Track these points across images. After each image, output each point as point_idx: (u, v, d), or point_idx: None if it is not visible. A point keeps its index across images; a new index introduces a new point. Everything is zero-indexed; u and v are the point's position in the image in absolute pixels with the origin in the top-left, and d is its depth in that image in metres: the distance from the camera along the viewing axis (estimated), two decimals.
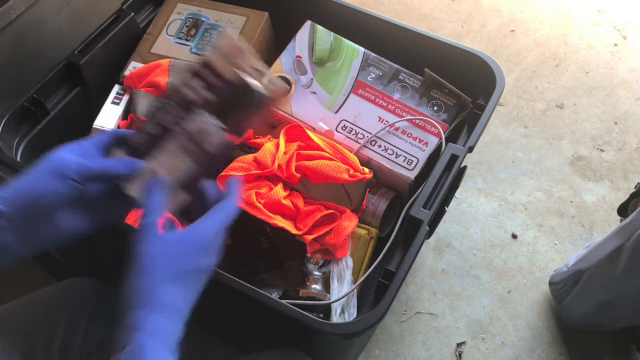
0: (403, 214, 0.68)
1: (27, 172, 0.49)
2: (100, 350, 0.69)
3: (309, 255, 0.68)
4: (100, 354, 0.70)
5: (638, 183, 0.97)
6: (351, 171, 0.69)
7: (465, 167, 0.74)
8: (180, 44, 0.85)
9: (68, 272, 0.77)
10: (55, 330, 0.65)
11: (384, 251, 0.65)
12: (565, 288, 0.97)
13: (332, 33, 0.83)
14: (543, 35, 1.47)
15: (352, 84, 0.78)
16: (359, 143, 0.74)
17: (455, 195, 1.15)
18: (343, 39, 0.82)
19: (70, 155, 0.49)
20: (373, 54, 0.80)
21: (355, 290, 0.67)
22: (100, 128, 0.74)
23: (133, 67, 0.83)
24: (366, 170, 0.70)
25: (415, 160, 0.73)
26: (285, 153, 0.70)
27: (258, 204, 0.65)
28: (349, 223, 0.69)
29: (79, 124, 0.78)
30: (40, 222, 0.49)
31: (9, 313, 0.66)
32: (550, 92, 1.35)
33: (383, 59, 0.80)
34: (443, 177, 0.68)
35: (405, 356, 0.97)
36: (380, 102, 0.77)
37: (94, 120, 0.75)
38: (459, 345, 0.99)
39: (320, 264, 0.68)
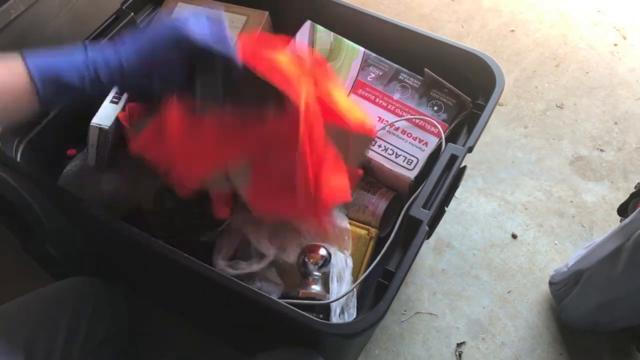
0: (402, 214, 0.68)
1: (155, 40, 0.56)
2: (99, 348, 0.70)
3: (307, 259, 0.67)
4: (100, 351, 0.70)
5: (638, 183, 0.97)
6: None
7: (465, 167, 0.74)
8: None
9: (68, 272, 0.77)
10: (57, 329, 0.65)
11: (382, 251, 0.65)
12: (565, 288, 0.97)
13: (332, 33, 0.82)
14: (543, 35, 1.47)
15: (352, 84, 0.78)
16: None
17: (455, 195, 1.15)
18: (343, 38, 0.82)
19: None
20: (373, 54, 0.80)
21: (354, 290, 0.67)
22: (98, 126, 0.74)
23: None
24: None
25: (415, 160, 0.73)
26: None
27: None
28: (337, 176, 0.64)
29: (79, 124, 0.78)
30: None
31: (10, 312, 0.66)
32: (550, 92, 1.35)
33: (383, 59, 0.80)
34: (443, 177, 0.68)
35: (405, 356, 0.97)
36: (380, 102, 0.77)
37: None
38: (459, 345, 0.99)
39: (319, 265, 0.68)
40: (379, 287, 0.61)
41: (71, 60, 0.54)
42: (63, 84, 0.53)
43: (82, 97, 0.55)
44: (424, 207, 0.65)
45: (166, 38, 0.56)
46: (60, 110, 0.78)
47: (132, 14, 0.85)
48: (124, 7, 0.85)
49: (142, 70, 0.56)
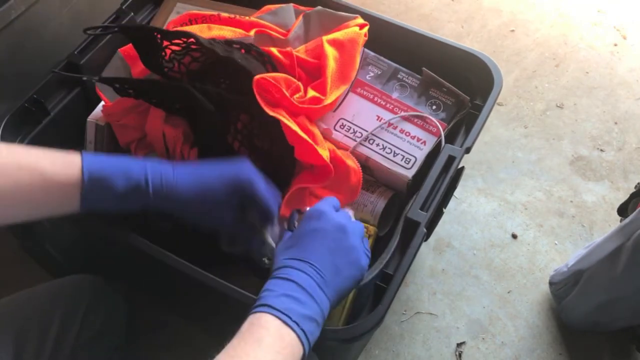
0: (402, 218, 0.68)
1: (199, 195, 0.56)
2: (93, 344, 0.70)
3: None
4: (93, 347, 0.70)
5: (638, 183, 0.97)
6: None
7: (462, 167, 0.74)
8: None
9: (68, 272, 0.77)
10: (50, 322, 0.66)
11: (387, 253, 0.64)
12: (565, 288, 0.97)
13: None
14: (543, 35, 1.47)
15: (351, 83, 0.78)
16: (357, 141, 0.75)
17: (455, 195, 1.15)
18: None
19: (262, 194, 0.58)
20: (372, 53, 0.80)
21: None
22: (95, 122, 0.75)
23: None
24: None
25: (413, 159, 0.73)
26: None
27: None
28: None
29: (79, 124, 0.79)
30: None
31: (4, 305, 0.66)
32: (550, 92, 1.35)
33: (382, 58, 0.80)
34: (440, 178, 0.68)
35: (405, 356, 0.97)
36: (379, 100, 0.77)
37: None
38: (459, 345, 0.99)
39: None
40: (377, 290, 0.61)
41: (125, 161, 0.54)
42: (107, 184, 0.52)
43: (122, 203, 0.54)
44: (422, 209, 0.65)
45: (228, 181, 0.57)
46: (61, 110, 0.79)
47: (132, 14, 0.85)
48: (123, 7, 0.85)
49: (194, 201, 0.56)
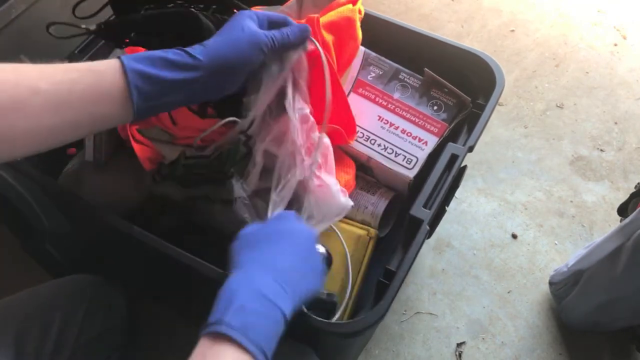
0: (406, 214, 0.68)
1: (224, 37, 0.54)
2: (93, 344, 0.70)
3: None
4: (93, 347, 0.70)
5: (638, 183, 0.97)
6: None
7: (465, 166, 0.74)
8: None
9: (68, 272, 0.77)
10: (51, 322, 0.66)
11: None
12: (565, 288, 0.97)
13: None
14: (543, 35, 1.47)
15: (353, 83, 0.78)
16: (359, 141, 0.74)
17: (455, 195, 1.15)
18: None
19: (261, 32, 0.55)
20: (373, 54, 0.80)
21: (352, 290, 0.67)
22: None
23: None
24: None
25: (414, 160, 0.73)
26: None
27: None
28: None
29: None
30: (227, 80, 0.54)
31: (4, 305, 0.66)
32: (550, 92, 1.35)
33: (383, 58, 0.80)
34: (443, 176, 0.68)
35: (405, 356, 0.97)
36: (380, 101, 0.77)
37: None
38: (459, 345, 0.99)
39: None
40: (380, 286, 0.61)
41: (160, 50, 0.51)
42: (148, 57, 0.49)
43: (172, 74, 0.49)
44: (425, 206, 0.65)
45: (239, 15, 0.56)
46: None
47: None
48: None
49: (236, 42, 0.53)
